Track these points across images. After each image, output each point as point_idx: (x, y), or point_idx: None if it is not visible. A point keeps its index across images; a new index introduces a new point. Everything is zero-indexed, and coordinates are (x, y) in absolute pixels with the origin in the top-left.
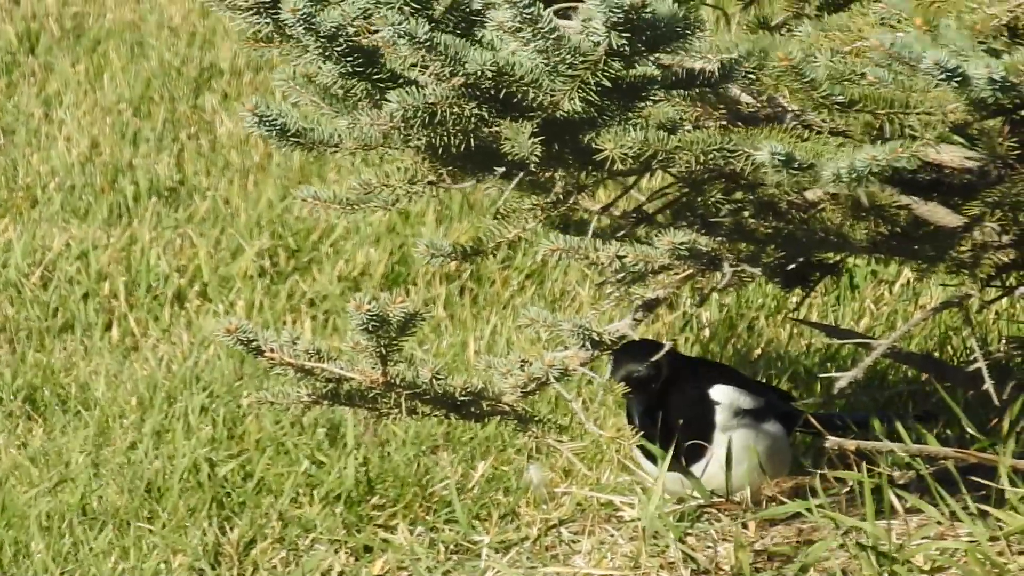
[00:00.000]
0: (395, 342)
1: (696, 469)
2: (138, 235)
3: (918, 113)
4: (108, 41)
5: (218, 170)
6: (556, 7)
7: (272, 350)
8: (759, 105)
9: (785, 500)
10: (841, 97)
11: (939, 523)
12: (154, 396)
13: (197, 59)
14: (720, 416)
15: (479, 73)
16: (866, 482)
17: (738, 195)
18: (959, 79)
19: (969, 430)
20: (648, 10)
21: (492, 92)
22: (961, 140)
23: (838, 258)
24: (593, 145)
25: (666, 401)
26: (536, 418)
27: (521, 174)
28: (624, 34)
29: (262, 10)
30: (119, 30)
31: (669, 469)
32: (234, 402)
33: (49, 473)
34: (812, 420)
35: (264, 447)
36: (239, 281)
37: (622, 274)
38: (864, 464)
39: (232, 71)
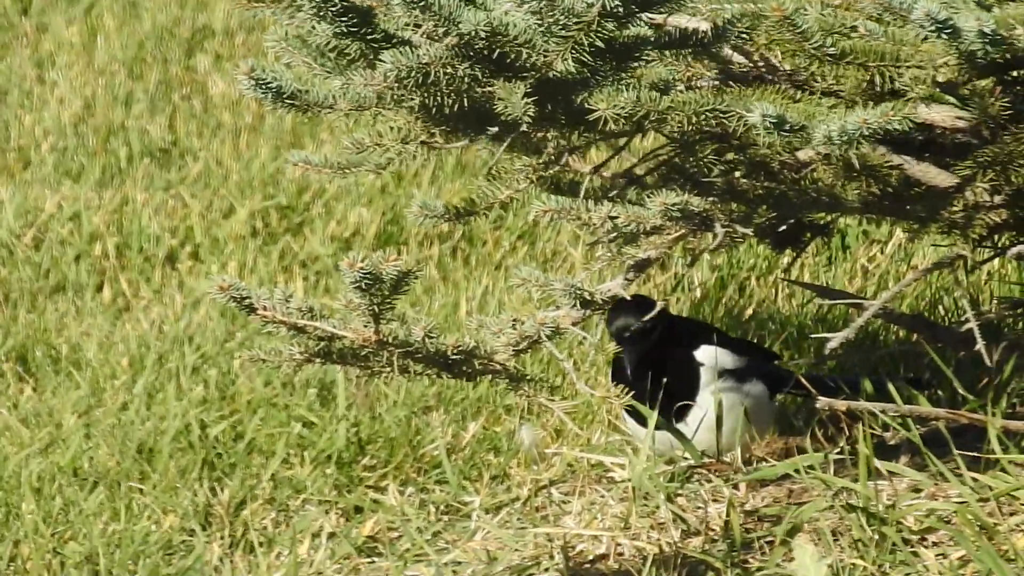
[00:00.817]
0: (388, 300)
1: (684, 430)
2: (130, 196)
3: (909, 66)
4: (101, 2)
5: (210, 131)
6: None
7: (265, 308)
8: (751, 64)
9: (775, 461)
10: (833, 49)
11: (921, 485)
12: (145, 357)
13: (190, 20)
14: (704, 377)
15: (473, 33)
16: (860, 444)
17: (730, 155)
18: (949, 31)
19: (960, 391)
20: None
21: (485, 52)
22: (953, 100)
23: (828, 218)
24: (586, 105)
25: (654, 361)
26: (527, 377)
27: (513, 134)
28: None
29: None
30: None
31: (658, 428)
32: (226, 363)
33: (40, 434)
34: (803, 381)
35: (255, 408)
36: (231, 242)
37: (614, 235)
38: (857, 425)
39: (225, 32)
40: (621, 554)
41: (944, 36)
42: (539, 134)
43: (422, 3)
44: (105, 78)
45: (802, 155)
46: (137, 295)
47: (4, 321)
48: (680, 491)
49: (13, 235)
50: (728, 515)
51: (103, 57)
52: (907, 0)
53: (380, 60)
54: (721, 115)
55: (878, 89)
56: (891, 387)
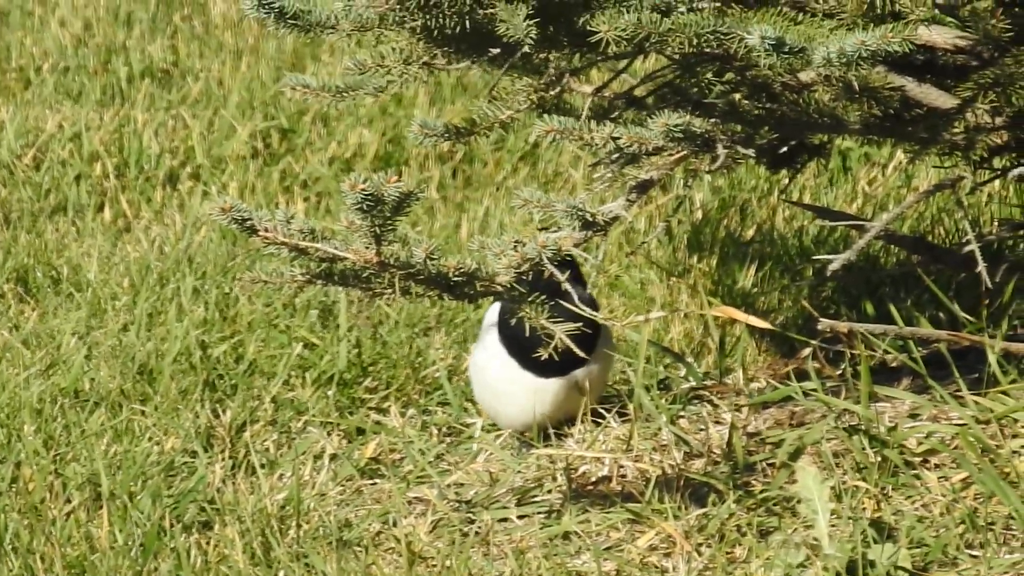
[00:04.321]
0: (389, 222)
1: (579, 373)
2: (131, 116)
3: None
4: None
5: (211, 52)
6: None
7: (266, 229)
8: None
9: (777, 383)
10: None
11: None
12: (146, 278)
13: None
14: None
15: None
16: (862, 363)
17: (731, 76)
18: None
19: (960, 314)
20: None
21: None
22: (953, 21)
23: (825, 139)
24: (588, 27)
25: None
26: (530, 299)
27: (515, 56)
28: None
29: None
30: None
31: (554, 374)
32: (227, 284)
33: (41, 355)
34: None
35: (256, 329)
36: (231, 162)
37: (616, 155)
38: (858, 345)
39: None
40: (624, 476)
41: None
42: (541, 56)
43: None
44: None
45: (804, 76)
46: (138, 216)
47: (5, 242)
48: (682, 413)
49: (14, 155)
50: (730, 437)
51: None
52: None
53: None
54: (722, 37)
55: (879, 11)
56: (892, 309)
